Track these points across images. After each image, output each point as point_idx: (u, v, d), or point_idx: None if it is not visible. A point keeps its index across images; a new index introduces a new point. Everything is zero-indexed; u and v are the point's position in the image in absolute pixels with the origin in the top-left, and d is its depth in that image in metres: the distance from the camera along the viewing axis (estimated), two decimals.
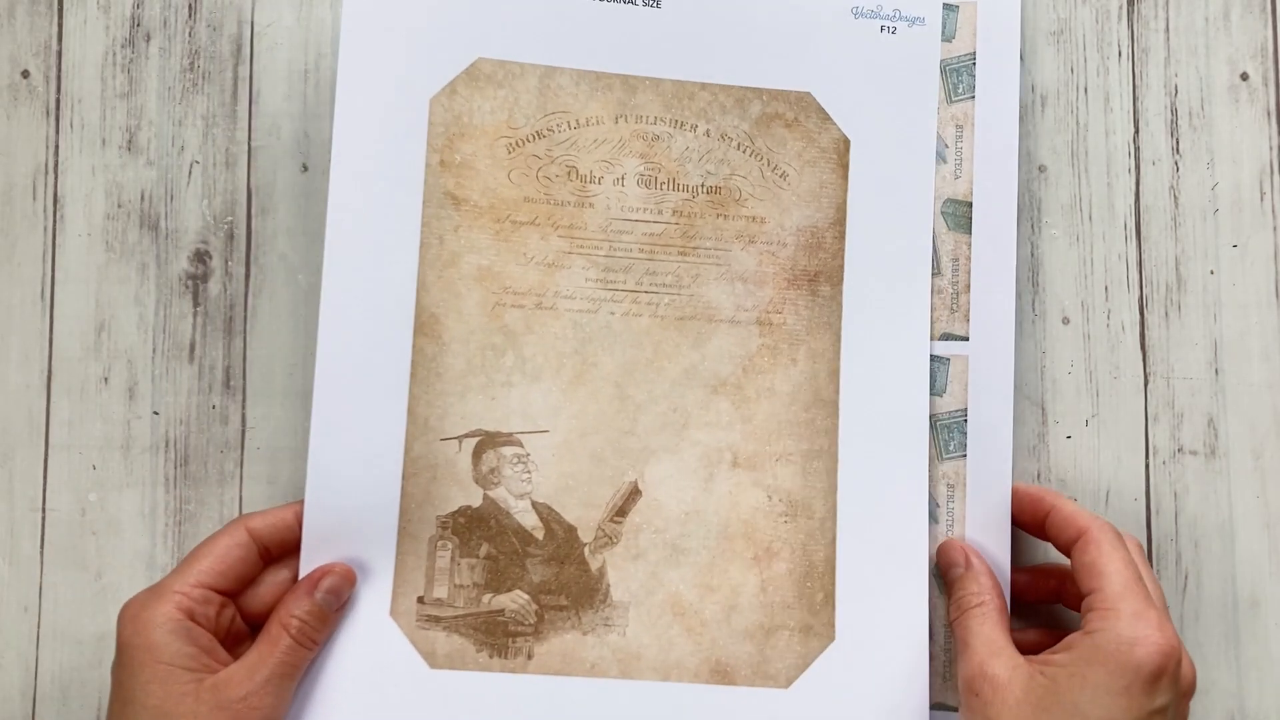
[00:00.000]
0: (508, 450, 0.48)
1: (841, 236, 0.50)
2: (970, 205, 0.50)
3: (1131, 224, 0.53)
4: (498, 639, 0.47)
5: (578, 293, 0.49)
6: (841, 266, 0.50)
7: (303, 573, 0.47)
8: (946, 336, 0.50)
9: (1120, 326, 0.52)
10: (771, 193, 0.50)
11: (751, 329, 0.49)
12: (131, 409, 0.51)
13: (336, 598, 0.46)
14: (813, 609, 0.47)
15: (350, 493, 0.47)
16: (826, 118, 0.50)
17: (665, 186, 0.50)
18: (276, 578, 0.47)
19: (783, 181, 0.50)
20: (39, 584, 0.51)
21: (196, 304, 0.52)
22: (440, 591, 0.47)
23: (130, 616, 0.44)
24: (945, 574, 0.49)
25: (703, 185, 0.50)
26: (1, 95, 0.52)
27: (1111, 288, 0.53)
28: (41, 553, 0.51)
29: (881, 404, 0.49)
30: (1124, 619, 0.43)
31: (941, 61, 0.51)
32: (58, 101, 0.52)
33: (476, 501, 0.48)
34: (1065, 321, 0.52)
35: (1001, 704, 0.43)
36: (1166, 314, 0.52)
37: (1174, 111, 0.53)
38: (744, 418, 0.49)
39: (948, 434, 0.50)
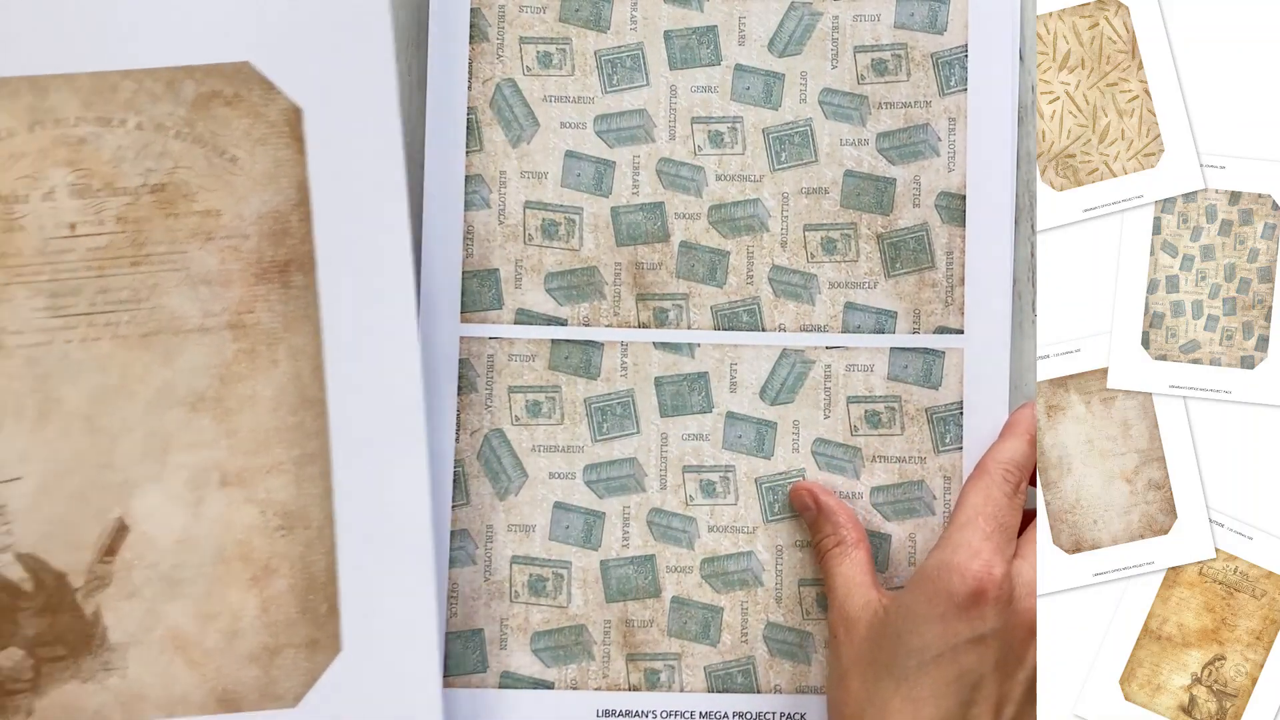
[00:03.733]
0: None
1: (308, 218, 0.46)
2: (964, 199, 0.49)
3: None
4: None
5: (25, 326, 0.45)
6: (312, 251, 0.46)
7: None
8: (941, 330, 0.49)
9: None
10: (223, 181, 0.46)
11: (224, 334, 0.46)
12: None
13: None
14: (317, 622, 0.45)
15: None
16: (271, 87, 0.45)
17: (102, 193, 0.45)
18: None
19: (233, 166, 0.46)
20: None
21: None
22: None
23: None
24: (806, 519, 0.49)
25: (144, 185, 0.45)
26: None
27: None
28: None
29: (372, 394, 0.45)
30: (950, 547, 0.44)
31: (933, 54, 0.50)
32: None
33: None
34: None
35: (849, 642, 0.45)
36: None
37: None
38: (228, 431, 0.46)
39: (944, 427, 0.49)
